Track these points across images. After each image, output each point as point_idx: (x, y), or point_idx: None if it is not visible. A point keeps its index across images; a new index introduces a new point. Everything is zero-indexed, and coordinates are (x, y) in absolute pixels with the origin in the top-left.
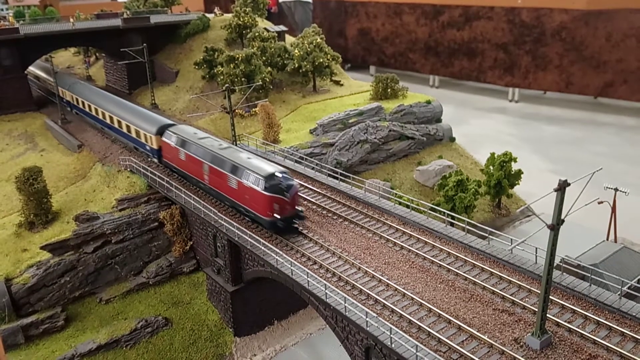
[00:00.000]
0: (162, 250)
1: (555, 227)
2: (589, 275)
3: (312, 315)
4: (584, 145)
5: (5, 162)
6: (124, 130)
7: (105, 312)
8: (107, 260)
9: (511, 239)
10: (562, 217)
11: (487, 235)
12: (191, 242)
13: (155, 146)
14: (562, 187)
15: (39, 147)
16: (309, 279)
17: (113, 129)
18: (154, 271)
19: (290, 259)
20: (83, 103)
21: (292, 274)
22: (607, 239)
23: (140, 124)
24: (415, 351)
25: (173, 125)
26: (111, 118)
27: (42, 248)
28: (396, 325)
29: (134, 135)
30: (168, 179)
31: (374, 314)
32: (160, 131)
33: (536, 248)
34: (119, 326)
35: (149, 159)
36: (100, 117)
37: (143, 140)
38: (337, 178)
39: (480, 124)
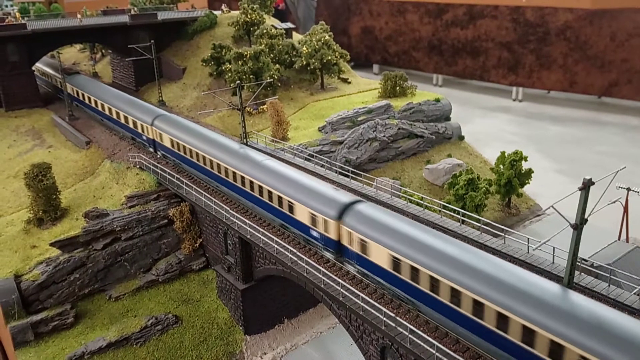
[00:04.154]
0: (172, 248)
1: (578, 226)
2: (608, 275)
3: (322, 313)
4: (588, 145)
5: (12, 159)
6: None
7: (114, 309)
8: (117, 257)
9: (528, 239)
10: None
11: (502, 234)
12: (201, 240)
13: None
14: (587, 186)
15: (47, 143)
16: (323, 277)
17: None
18: (164, 268)
19: (304, 256)
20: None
21: (306, 272)
22: (619, 239)
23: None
24: (434, 351)
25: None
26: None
27: (51, 245)
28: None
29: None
30: (178, 176)
31: (392, 314)
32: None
33: (554, 248)
34: (129, 324)
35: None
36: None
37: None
38: (347, 176)
39: (484, 123)
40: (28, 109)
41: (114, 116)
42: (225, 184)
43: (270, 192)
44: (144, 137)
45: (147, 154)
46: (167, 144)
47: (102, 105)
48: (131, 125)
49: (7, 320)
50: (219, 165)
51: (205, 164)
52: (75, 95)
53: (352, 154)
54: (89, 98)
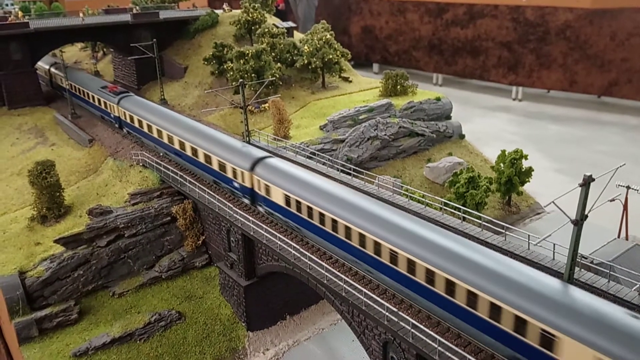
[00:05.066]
0: (175, 245)
1: (579, 222)
2: (607, 271)
3: (324, 310)
4: (588, 145)
5: (15, 156)
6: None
7: (118, 305)
8: (120, 254)
9: (528, 235)
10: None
11: (502, 231)
12: (203, 237)
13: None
14: (587, 182)
15: (49, 141)
16: (326, 273)
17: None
18: (167, 265)
19: (307, 253)
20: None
21: (309, 268)
22: (619, 237)
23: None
24: (436, 345)
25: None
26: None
27: (55, 242)
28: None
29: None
30: (181, 174)
31: (394, 308)
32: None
33: (554, 244)
34: (133, 320)
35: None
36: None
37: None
38: (349, 174)
39: (484, 123)
40: (31, 107)
41: (189, 152)
42: (390, 274)
43: (474, 296)
44: (236, 185)
45: (150, 152)
46: (279, 200)
47: (171, 138)
48: (215, 167)
49: (11, 316)
50: (367, 242)
51: (348, 238)
52: (129, 120)
53: (354, 152)
54: (150, 127)
